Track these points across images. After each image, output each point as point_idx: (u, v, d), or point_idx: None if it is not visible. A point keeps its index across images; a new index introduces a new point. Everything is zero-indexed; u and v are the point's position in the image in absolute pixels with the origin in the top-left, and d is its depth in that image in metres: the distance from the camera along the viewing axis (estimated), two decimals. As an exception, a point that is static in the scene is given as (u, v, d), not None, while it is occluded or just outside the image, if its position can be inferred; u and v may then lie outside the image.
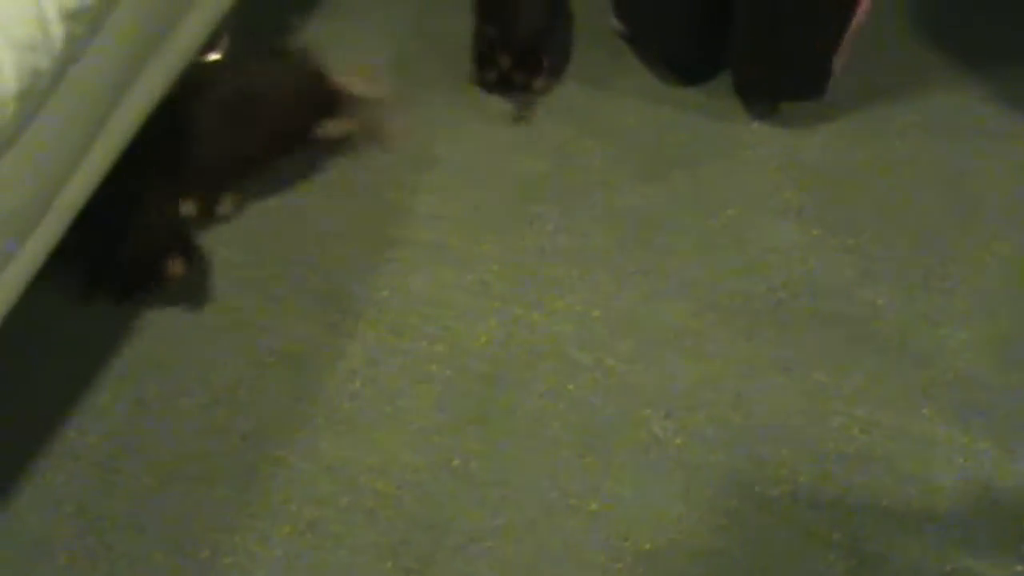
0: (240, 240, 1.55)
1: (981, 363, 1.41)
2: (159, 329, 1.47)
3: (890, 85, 1.69)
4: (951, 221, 1.55)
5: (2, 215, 1.15)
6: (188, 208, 1.50)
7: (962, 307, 1.46)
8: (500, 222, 1.56)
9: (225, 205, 1.55)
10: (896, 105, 1.66)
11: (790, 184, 1.58)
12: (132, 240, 1.46)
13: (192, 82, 1.48)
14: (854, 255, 1.52)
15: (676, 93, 1.69)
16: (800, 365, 1.42)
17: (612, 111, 1.67)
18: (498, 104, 1.68)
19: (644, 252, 1.53)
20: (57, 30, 1.12)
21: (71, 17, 1.14)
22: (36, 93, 1.12)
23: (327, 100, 1.54)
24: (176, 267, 1.46)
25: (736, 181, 1.59)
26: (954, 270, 1.50)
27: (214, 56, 1.69)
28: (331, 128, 1.55)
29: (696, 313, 1.47)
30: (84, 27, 1.17)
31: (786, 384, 1.41)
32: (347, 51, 1.74)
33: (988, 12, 1.79)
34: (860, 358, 1.42)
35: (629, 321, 1.47)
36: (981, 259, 1.51)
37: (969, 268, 1.50)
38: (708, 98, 1.68)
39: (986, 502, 1.30)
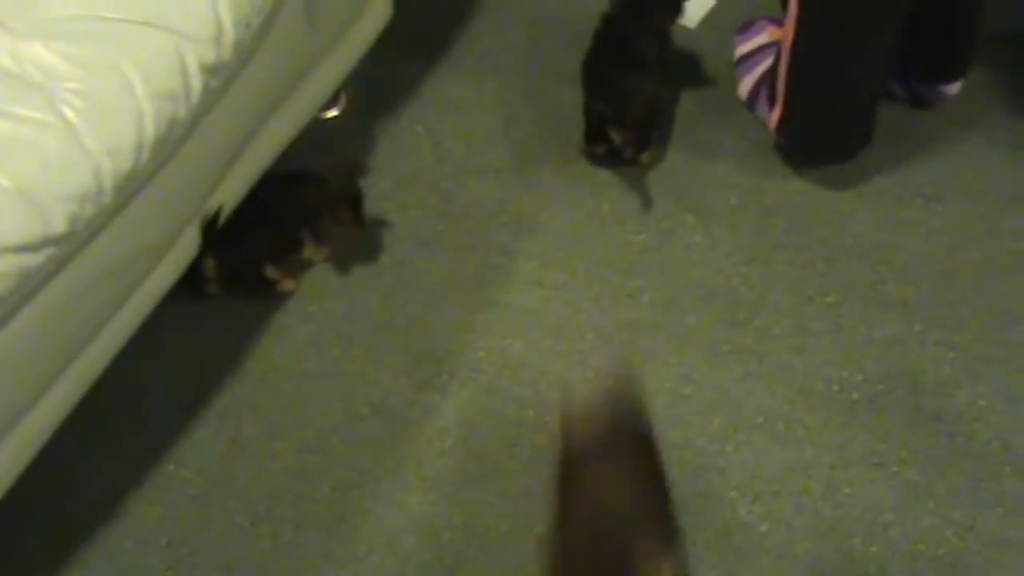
0: (343, 292, 1.59)
1: None
2: (261, 372, 1.52)
3: (1003, 181, 1.66)
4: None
5: (131, 252, 1.21)
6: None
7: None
8: (598, 292, 1.58)
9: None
10: (1005, 203, 1.63)
11: (894, 275, 1.57)
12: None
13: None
14: (957, 352, 1.49)
15: (783, 170, 1.70)
16: (894, 461, 1.40)
17: (717, 187, 1.68)
18: (604, 175, 1.71)
19: (739, 333, 1.53)
20: (196, 83, 1.18)
21: (210, 71, 1.20)
22: (172, 141, 1.18)
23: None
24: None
25: (838, 268, 1.58)
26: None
27: (333, 113, 1.76)
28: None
29: (789, 399, 1.46)
30: (220, 81, 1.24)
31: (879, 479, 1.38)
32: (460, 115, 1.79)
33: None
34: (958, 460, 1.39)
35: (720, 401, 1.46)
36: (1090, 366, 1.47)
37: (1077, 375, 1.46)
38: (812, 184, 1.68)
39: None
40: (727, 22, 1.92)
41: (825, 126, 1.63)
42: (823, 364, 1.49)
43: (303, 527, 1.38)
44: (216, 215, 1.40)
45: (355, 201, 1.55)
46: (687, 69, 1.83)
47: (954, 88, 1.68)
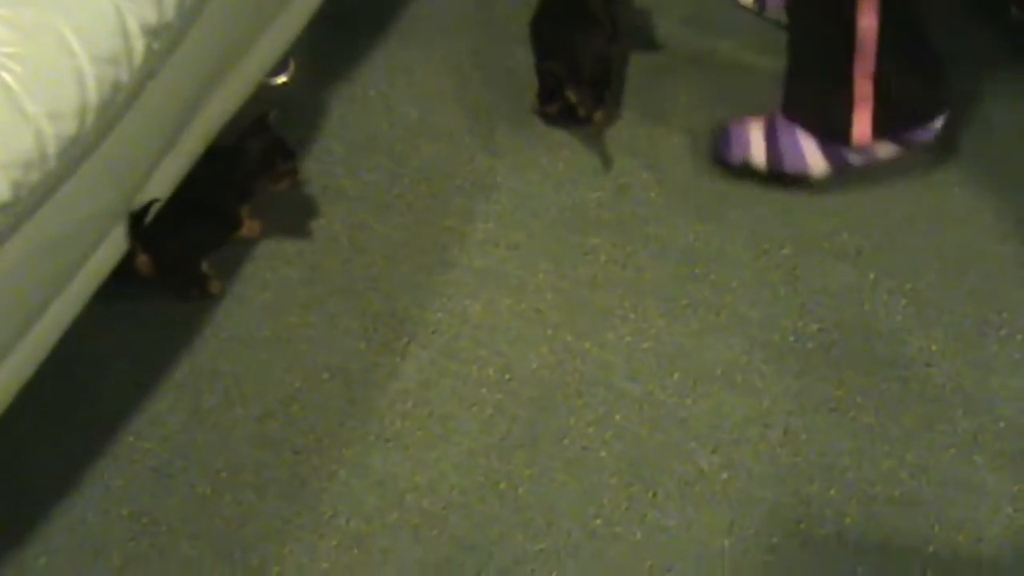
0: (299, 258, 1.59)
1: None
2: (217, 341, 1.51)
3: (957, 135, 1.68)
4: (1011, 272, 1.54)
5: (80, 220, 1.20)
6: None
7: (1017, 356, 1.45)
8: (555, 251, 1.58)
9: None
10: (961, 155, 1.65)
11: (847, 227, 1.58)
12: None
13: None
14: (909, 300, 1.51)
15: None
16: (850, 406, 1.42)
17: (670, 145, 1.69)
18: (559, 135, 1.71)
19: (696, 287, 1.54)
20: (138, 45, 1.16)
21: (152, 33, 1.18)
22: (115, 105, 1.16)
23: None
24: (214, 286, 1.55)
25: (793, 220, 1.59)
26: (1010, 319, 1.49)
27: (282, 79, 1.74)
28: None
29: (747, 350, 1.48)
30: (164, 43, 1.22)
31: (835, 424, 1.40)
32: (412, 79, 1.78)
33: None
34: (911, 402, 1.42)
35: (679, 354, 1.48)
36: (1038, 308, 1.50)
37: (1026, 317, 1.49)
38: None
39: None
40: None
41: (926, 87, 1.53)
42: (779, 315, 1.51)
43: (266, 493, 1.38)
44: (145, 209, 1.35)
45: (284, 151, 1.51)
46: (638, 26, 1.83)
47: None
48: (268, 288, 1.56)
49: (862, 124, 1.51)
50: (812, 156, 1.57)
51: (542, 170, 1.67)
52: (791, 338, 1.48)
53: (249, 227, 1.58)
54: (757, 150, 1.59)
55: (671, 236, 1.59)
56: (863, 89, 1.48)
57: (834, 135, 1.54)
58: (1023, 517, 1.32)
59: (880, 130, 1.51)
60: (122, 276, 1.39)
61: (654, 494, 1.36)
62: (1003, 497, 1.34)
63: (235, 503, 1.37)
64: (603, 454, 1.39)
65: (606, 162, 1.66)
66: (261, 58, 1.53)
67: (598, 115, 1.67)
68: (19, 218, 1.08)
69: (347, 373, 1.47)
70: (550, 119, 1.71)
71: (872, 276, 1.54)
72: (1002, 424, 1.39)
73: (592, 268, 1.57)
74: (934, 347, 1.47)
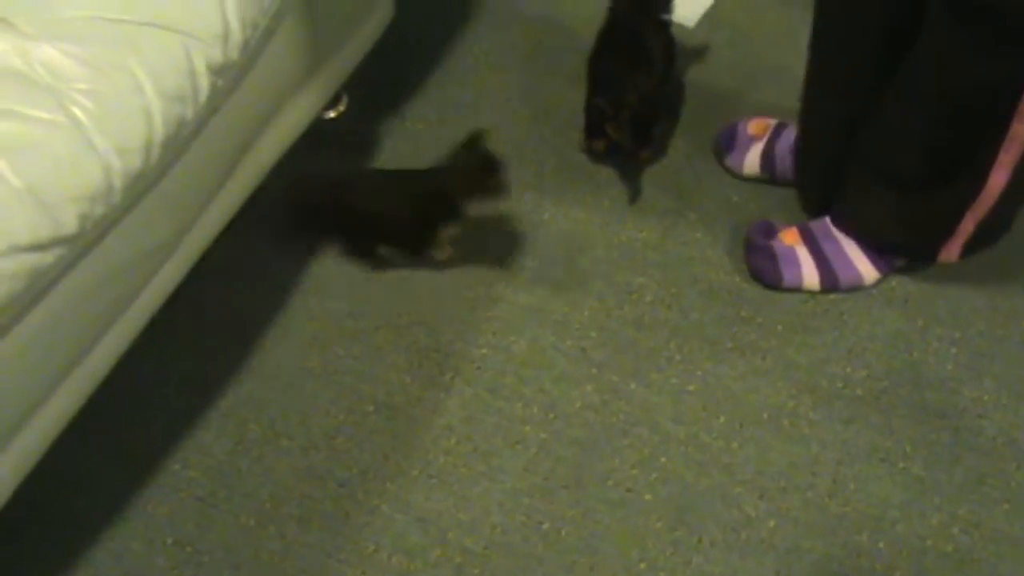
0: (346, 291, 1.59)
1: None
2: (264, 371, 1.52)
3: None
4: (1061, 321, 1.53)
5: (137, 252, 1.21)
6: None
7: (1070, 409, 1.44)
8: (600, 290, 1.58)
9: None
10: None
11: (897, 272, 1.57)
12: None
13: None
14: (959, 348, 1.50)
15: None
16: (900, 456, 1.40)
17: (718, 184, 1.69)
18: (606, 172, 1.71)
19: (743, 329, 1.53)
20: (204, 83, 1.18)
21: (217, 72, 1.20)
22: (180, 140, 1.18)
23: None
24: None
25: (840, 265, 1.58)
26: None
27: (332, 114, 1.76)
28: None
29: (794, 395, 1.47)
30: (227, 81, 1.23)
31: (885, 474, 1.39)
32: (461, 114, 1.79)
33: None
34: (962, 454, 1.40)
35: (725, 397, 1.47)
36: (1091, 361, 1.48)
37: (1078, 370, 1.47)
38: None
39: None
40: (725, 20, 1.94)
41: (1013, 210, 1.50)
42: (827, 360, 1.50)
43: (309, 526, 1.38)
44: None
45: (492, 164, 1.52)
46: (686, 67, 1.84)
47: None
48: (315, 320, 1.57)
49: (951, 250, 1.50)
50: (863, 265, 1.56)
51: (588, 208, 1.68)
52: (839, 384, 1.47)
53: (444, 250, 1.60)
54: (809, 275, 1.56)
55: (717, 278, 1.59)
56: (967, 227, 1.46)
57: (917, 257, 1.55)
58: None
59: (967, 253, 1.50)
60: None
61: (699, 540, 1.35)
62: None
63: (278, 535, 1.37)
64: (648, 497, 1.39)
65: (652, 201, 1.67)
66: (317, 93, 1.55)
67: (644, 153, 1.68)
68: (83, 250, 1.10)
69: (392, 407, 1.48)
70: (597, 156, 1.71)
71: (921, 323, 1.53)
72: None
73: (638, 308, 1.57)
74: (986, 397, 1.45)
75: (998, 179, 1.39)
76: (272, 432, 1.46)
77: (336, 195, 1.58)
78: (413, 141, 1.76)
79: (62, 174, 1.02)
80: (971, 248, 1.49)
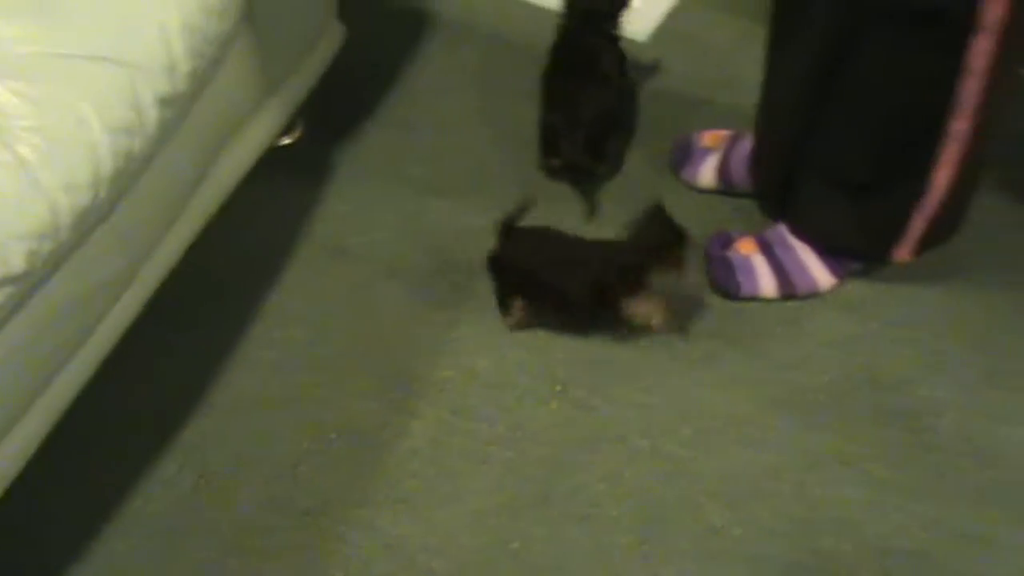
0: (307, 318, 1.59)
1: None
2: (225, 403, 1.50)
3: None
4: (1016, 320, 1.55)
5: (90, 288, 1.20)
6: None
7: (1027, 406, 1.46)
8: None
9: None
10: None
11: (853, 276, 1.59)
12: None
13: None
14: (914, 349, 1.52)
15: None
16: (861, 459, 1.42)
17: (674, 197, 1.69)
18: (565, 189, 1.72)
19: (705, 340, 1.54)
20: (151, 115, 1.18)
21: (165, 103, 1.20)
22: (129, 174, 1.17)
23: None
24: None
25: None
26: (1017, 367, 1.49)
27: (287, 141, 1.76)
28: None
29: (757, 403, 1.48)
30: (176, 111, 1.23)
31: (847, 478, 1.40)
32: (418, 137, 1.80)
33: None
34: (921, 454, 1.42)
35: (689, 409, 1.48)
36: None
37: (1033, 366, 1.50)
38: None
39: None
40: (677, 33, 1.96)
41: (972, 190, 1.51)
42: (787, 367, 1.51)
43: (275, 557, 1.37)
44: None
45: (681, 238, 1.48)
46: (640, 81, 1.85)
47: None
48: (276, 348, 1.56)
49: (904, 250, 1.52)
50: (819, 272, 1.57)
51: (548, 224, 1.68)
52: (800, 390, 1.49)
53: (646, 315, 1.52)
54: (766, 283, 1.58)
55: (679, 290, 1.59)
56: (917, 225, 1.49)
57: (872, 259, 1.57)
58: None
59: (920, 252, 1.53)
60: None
61: (667, 552, 1.35)
62: (1018, 550, 1.33)
63: (243, 568, 1.36)
64: (615, 511, 1.39)
65: (610, 216, 1.67)
66: (270, 120, 1.55)
67: (600, 169, 1.69)
68: (32, 288, 1.09)
69: (356, 433, 1.47)
70: (555, 173, 1.72)
71: (875, 326, 1.55)
72: (1016, 476, 1.39)
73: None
74: (941, 396, 1.47)
75: (942, 177, 1.42)
76: (235, 464, 1.45)
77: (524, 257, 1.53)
78: (369, 167, 1.77)
79: (7, 213, 1.01)
80: (923, 246, 1.52)
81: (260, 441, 1.47)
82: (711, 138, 1.73)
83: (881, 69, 1.37)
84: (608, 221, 1.68)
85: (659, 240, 1.47)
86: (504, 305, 1.55)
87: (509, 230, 1.52)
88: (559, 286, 1.50)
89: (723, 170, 1.69)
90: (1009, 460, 1.41)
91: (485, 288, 1.60)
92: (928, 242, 1.52)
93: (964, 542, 1.34)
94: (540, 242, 1.53)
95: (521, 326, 1.55)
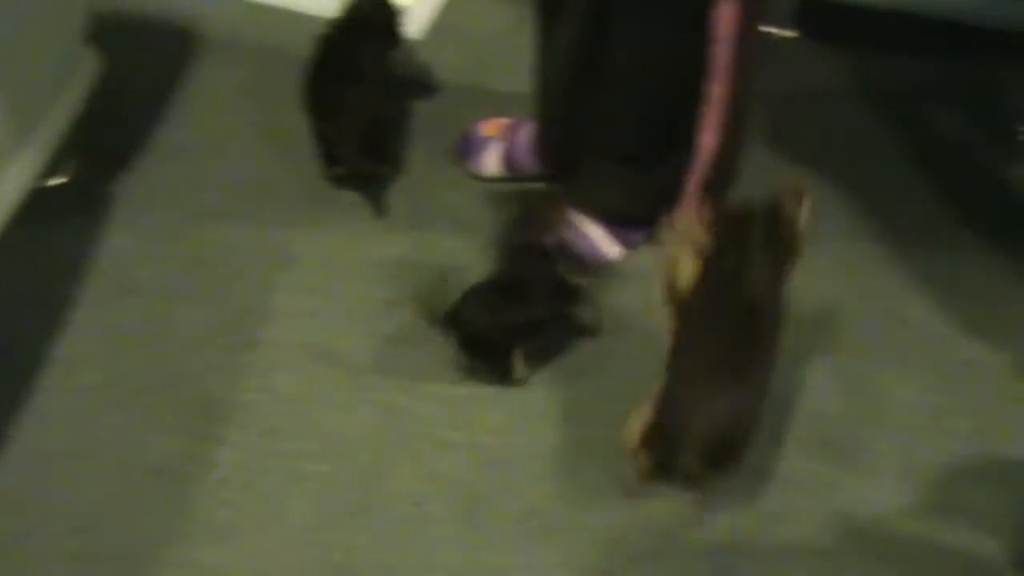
0: (100, 361, 1.53)
1: (830, 398, 1.48)
2: (19, 460, 1.43)
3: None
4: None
5: None
6: None
7: (806, 347, 1.53)
8: (362, 311, 1.58)
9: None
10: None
11: (641, 245, 1.64)
12: None
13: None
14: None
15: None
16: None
17: (461, 190, 1.72)
18: (350, 195, 1.71)
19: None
20: None
21: None
22: None
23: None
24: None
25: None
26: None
27: (59, 180, 1.69)
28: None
29: (556, 380, 1.51)
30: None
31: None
32: (195, 160, 1.76)
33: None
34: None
35: (495, 395, 1.49)
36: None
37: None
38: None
39: (847, 529, 1.36)
40: (452, 27, 1.97)
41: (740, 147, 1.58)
42: (587, 339, 1.55)
43: (90, 610, 1.32)
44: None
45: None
46: (418, 78, 1.86)
47: None
48: (68, 396, 1.50)
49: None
50: (605, 245, 1.62)
51: (339, 232, 1.68)
52: (599, 357, 1.52)
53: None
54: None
55: (457, 279, 1.58)
56: (693, 189, 1.55)
57: (654, 227, 1.60)
58: (837, 500, 1.39)
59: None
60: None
61: (490, 538, 1.37)
62: (817, 484, 1.40)
63: (58, 628, 1.31)
64: (435, 507, 1.39)
65: (398, 215, 1.68)
66: (29, 161, 1.49)
67: (383, 170, 1.69)
68: None
69: (163, 470, 1.43)
70: (339, 181, 1.71)
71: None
72: (804, 412, 1.47)
73: (401, 323, 1.57)
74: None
75: (708, 141, 1.48)
76: (39, 521, 1.38)
77: None
78: (149, 196, 1.71)
79: None
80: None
81: (62, 495, 1.40)
82: (493, 127, 1.75)
83: (637, 48, 1.42)
84: (401, 219, 1.68)
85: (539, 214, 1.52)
86: (506, 367, 1.49)
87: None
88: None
89: (507, 157, 1.72)
90: (799, 399, 1.48)
91: (283, 304, 1.58)
92: (704, 202, 1.58)
93: (768, 482, 1.40)
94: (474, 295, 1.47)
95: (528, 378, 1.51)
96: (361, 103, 1.61)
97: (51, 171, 1.65)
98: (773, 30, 1.97)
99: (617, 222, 1.61)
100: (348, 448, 1.45)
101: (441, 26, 1.98)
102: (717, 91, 1.43)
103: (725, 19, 1.36)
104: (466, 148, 1.74)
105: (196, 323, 1.57)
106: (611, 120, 1.52)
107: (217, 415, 1.48)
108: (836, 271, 1.62)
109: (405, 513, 1.39)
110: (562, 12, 1.48)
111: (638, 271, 1.62)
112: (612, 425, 1.45)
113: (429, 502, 1.40)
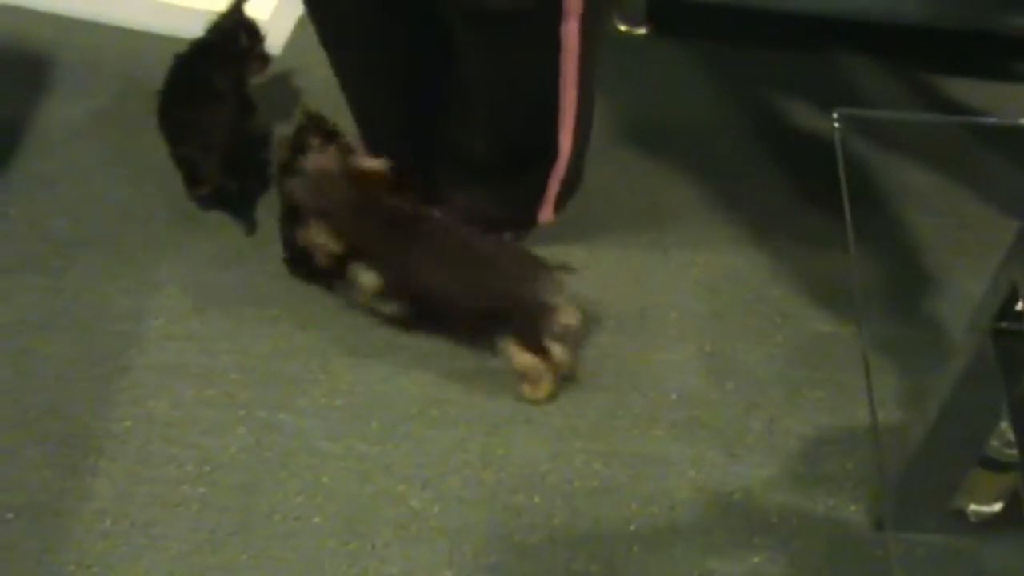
0: (-38, 400, 1.50)
1: (697, 381, 1.53)
2: None
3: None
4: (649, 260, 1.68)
5: None
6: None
7: (673, 333, 1.58)
8: (233, 331, 1.58)
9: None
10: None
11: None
12: None
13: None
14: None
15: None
16: (539, 414, 1.50)
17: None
18: (216, 216, 1.70)
19: (379, 332, 1.57)
20: None
21: None
22: None
23: None
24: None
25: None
26: (663, 301, 1.63)
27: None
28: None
29: (436, 384, 1.53)
30: None
31: (529, 435, 1.48)
32: (55, 191, 1.73)
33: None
34: (590, 398, 1.51)
35: (374, 403, 1.51)
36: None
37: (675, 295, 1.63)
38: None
39: (719, 506, 1.41)
40: (312, 43, 1.97)
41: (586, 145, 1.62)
42: (456, 344, 1.57)
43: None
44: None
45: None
46: (277, 94, 1.86)
47: None
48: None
49: (546, 211, 1.65)
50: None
51: (208, 253, 1.67)
52: (471, 362, 1.55)
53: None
54: None
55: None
56: (554, 188, 1.61)
57: (521, 227, 1.66)
58: (705, 477, 1.43)
59: (559, 210, 1.65)
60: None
61: (373, 545, 1.38)
62: (686, 462, 1.45)
63: None
64: (317, 520, 1.40)
65: (268, 233, 1.68)
66: None
67: (248, 187, 1.69)
68: None
69: (35, 507, 1.40)
70: (205, 202, 1.70)
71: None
72: (673, 397, 1.51)
73: (274, 339, 1.57)
74: (604, 341, 1.58)
75: (566, 143, 1.54)
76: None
77: None
78: (7, 229, 1.68)
79: None
80: (560, 204, 1.65)
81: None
82: None
83: (489, 66, 1.46)
84: (267, 239, 1.68)
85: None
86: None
87: None
88: None
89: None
90: (666, 384, 1.53)
91: (153, 329, 1.57)
92: (563, 199, 1.64)
93: (640, 466, 1.44)
94: None
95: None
96: (219, 122, 1.61)
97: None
98: (623, 28, 2.03)
99: (486, 226, 1.64)
100: (226, 468, 1.44)
101: (300, 40, 1.98)
102: (570, 96, 1.48)
103: (572, 32, 1.41)
104: None
105: (64, 354, 1.54)
106: (473, 137, 1.56)
107: (90, 446, 1.45)
108: (695, 255, 1.68)
109: (287, 528, 1.39)
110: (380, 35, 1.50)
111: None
112: (490, 425, 1.48)
113: (311, 515, 1.40)
